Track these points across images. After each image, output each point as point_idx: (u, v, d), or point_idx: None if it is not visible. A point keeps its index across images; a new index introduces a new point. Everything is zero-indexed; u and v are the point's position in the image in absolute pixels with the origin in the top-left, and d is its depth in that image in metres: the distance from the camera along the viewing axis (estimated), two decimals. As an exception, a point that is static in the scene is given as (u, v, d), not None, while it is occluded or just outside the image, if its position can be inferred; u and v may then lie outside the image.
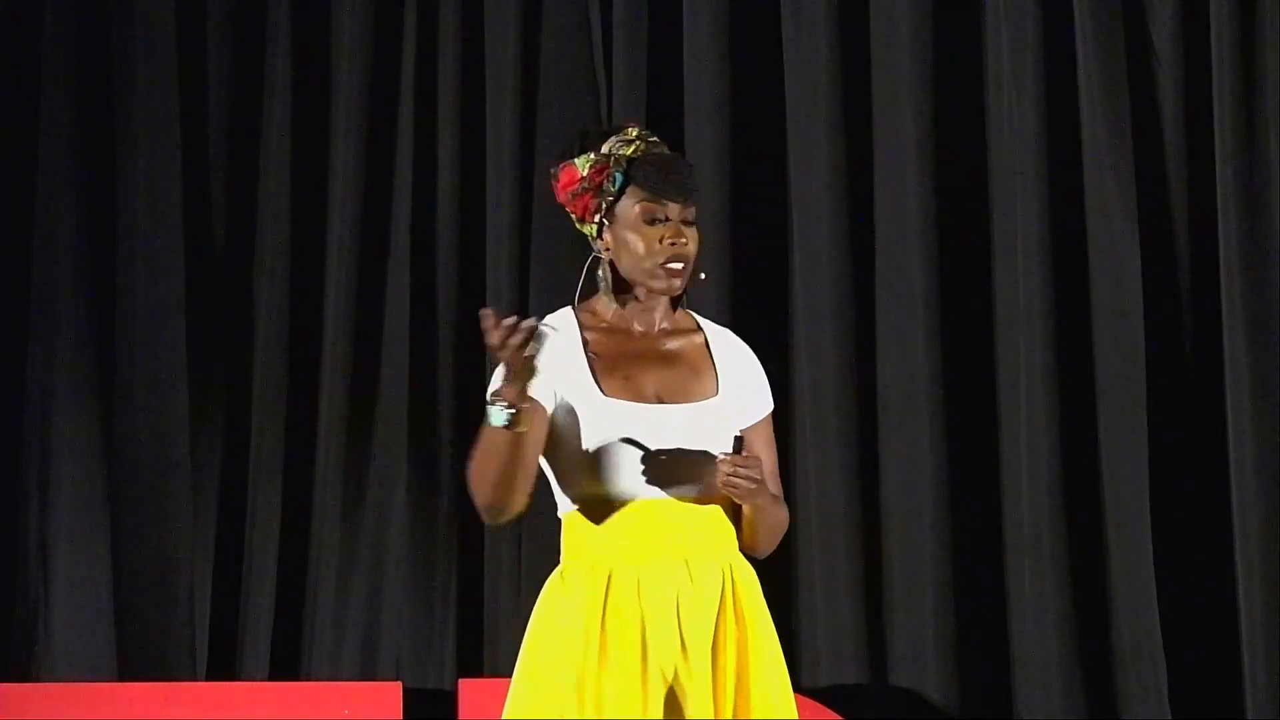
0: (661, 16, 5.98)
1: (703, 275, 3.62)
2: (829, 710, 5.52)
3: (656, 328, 3.62)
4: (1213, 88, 5.78)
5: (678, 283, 3.56)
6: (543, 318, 3.58)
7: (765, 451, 3.61)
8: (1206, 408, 5.78)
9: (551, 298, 5.84)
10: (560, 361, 3.53)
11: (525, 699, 3.47)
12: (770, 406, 3.68)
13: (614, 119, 5.88)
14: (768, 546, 3.62)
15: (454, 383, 5.95)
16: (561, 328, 3.58)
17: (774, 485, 3.60)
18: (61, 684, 5.69)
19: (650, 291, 3.58)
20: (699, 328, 3.66)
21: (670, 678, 3.45)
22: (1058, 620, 5.77)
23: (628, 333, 3.60)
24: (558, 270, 5.83)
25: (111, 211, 5.90)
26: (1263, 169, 5.78)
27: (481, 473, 3.50)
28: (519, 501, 3.54)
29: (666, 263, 3.54)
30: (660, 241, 3.54)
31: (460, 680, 5.68)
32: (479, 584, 5.87)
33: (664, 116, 5.82)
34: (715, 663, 3.48)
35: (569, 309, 3.62)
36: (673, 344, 3.62)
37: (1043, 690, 5.74)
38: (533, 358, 3.38)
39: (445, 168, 5.98)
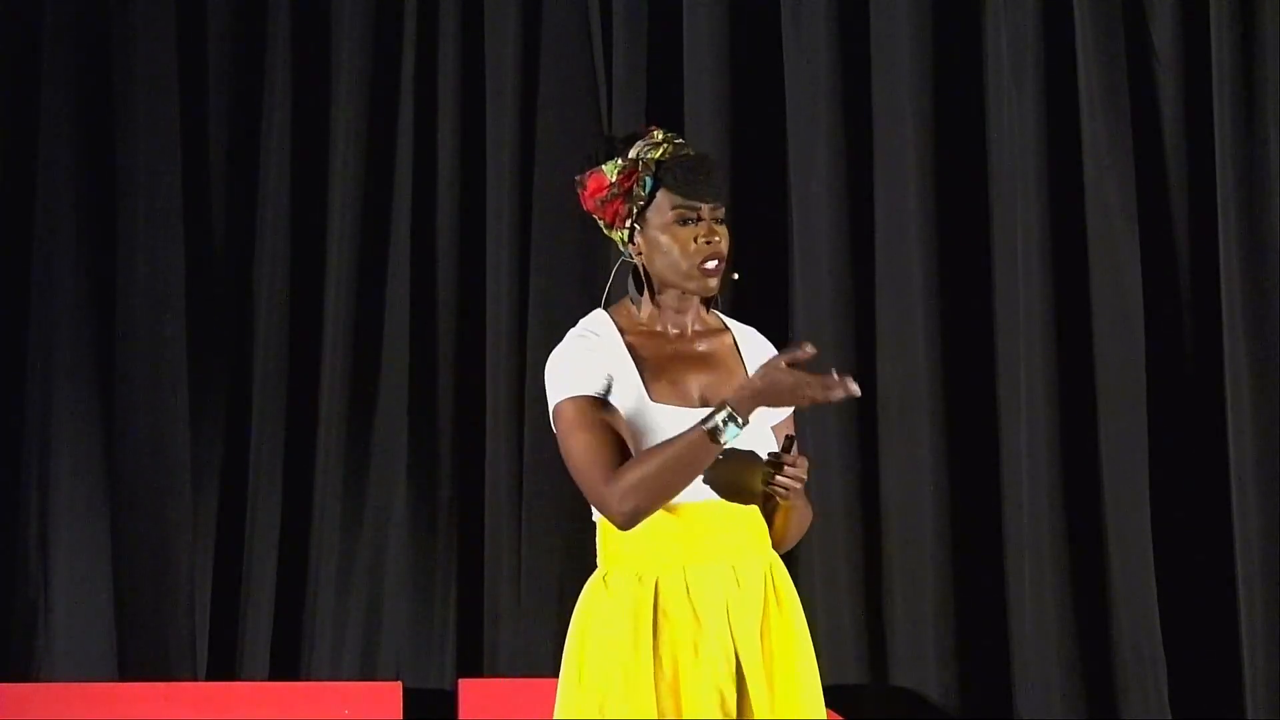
0: (661, 16, 5.98)
1: (735, 275, 3.62)
2: (829, 710, 5.52)
3: (689, 330, 3.61)
4: (1213, 88, 5.77)
5: (714, 282, 3.57)
6: (576, 321, 3.60)
7: None
8: (1206, 408, 5.78)
9: (551, 298, 5.87)
10: (611, 369, 3.51)
11: (577, 700, 3.46)
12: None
13: (614, 119, 5.88)
14: (793, 543, 3.62)
15: (454, 383, 5.95)
16: (602, 332, 3.56)
17: None
18: (61, 684, 5.69)
19: (686, 292, 3.58)
20: (726, 327, 3.67)
21: (725, 680, 3.45)
22: (1058, 620, 5.77)
23: (664, 335, 3.59)
24: (558, 271, 5.83)
25: (111, 211, 5.90)
26: (1263, 169, 5.78)
27: (668, 484, 3.42)
28: None
29: (703, 262, 3.54)
30: (695, 241, 3.54)
31: (460, 680, 5.68)
32: (479, 584, 5.87)
33: (664, 116, 5.81)
34: (766, 661, 3.48)
35: (603, 312, 3.61)
36: (706, 345, 3.61)
37: (1043, 690, 5.74)
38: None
39: (445, 168, 5.98)
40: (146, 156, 5.88)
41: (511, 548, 5.80)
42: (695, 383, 3.56)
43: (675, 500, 3.46)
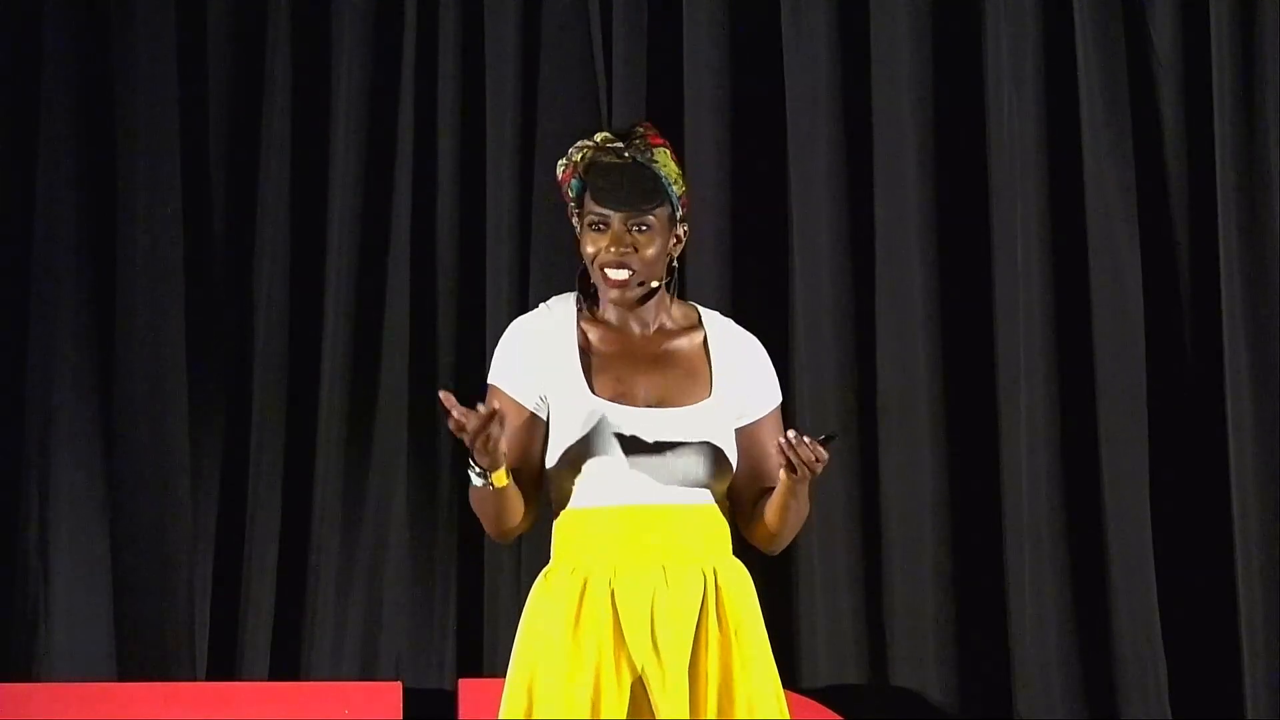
0: (661, 16, 5.97)
1: (654, 284, 3.59)
2: (829, 710, 5.52)
3: (654, 326, 3.61)
4: (1213, 88, 5.77)
5: (618, 294, 3.55)
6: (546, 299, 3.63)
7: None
8: (1206, 408, 5.78)
9: (551, 297, 5.87)
10: (551, 359, 3.53)
11: (514, 699, 3.49)
12: (778, 399, 3.65)
13: (614, 118, 5.88)
14: (788, 540, 3.61)
15: (454, 382, 5.95)
16: (560, 316, 3.58)
17: None
18: (61, 684, 5.69)
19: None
20: (700, 324, 3.65)
21: (643, 682, 3.45)
22: (1058, 620, 5.77)
23: (625, 330, 3.60)
24: (558, 270, 5.83)
25: (111, 211, 5.89)
26: (1263, 169, 5.78)
27: (479, 513, 3.58)
28: (519, 528, 3.61)
29: (606, 268, 3.53)
30: (602, 250, 3.53)
31: (460, 680, 5.68)
32: (479, 584, 5.87)
33: (664, 116, 5.81)
34: (696, 666, 3.47)
35: (572, 295, 3.62)
36: (670, 344, 3.60)
37: (1043, 690, 5.74)
38: (495, 437, 3.40)
39: (445, 168, 5.97)
40: (146, 156, 5.88)
41: (512, 548, 5.79)
42: (643, 382, 3.55)
43: (607, 503, 3.51)
